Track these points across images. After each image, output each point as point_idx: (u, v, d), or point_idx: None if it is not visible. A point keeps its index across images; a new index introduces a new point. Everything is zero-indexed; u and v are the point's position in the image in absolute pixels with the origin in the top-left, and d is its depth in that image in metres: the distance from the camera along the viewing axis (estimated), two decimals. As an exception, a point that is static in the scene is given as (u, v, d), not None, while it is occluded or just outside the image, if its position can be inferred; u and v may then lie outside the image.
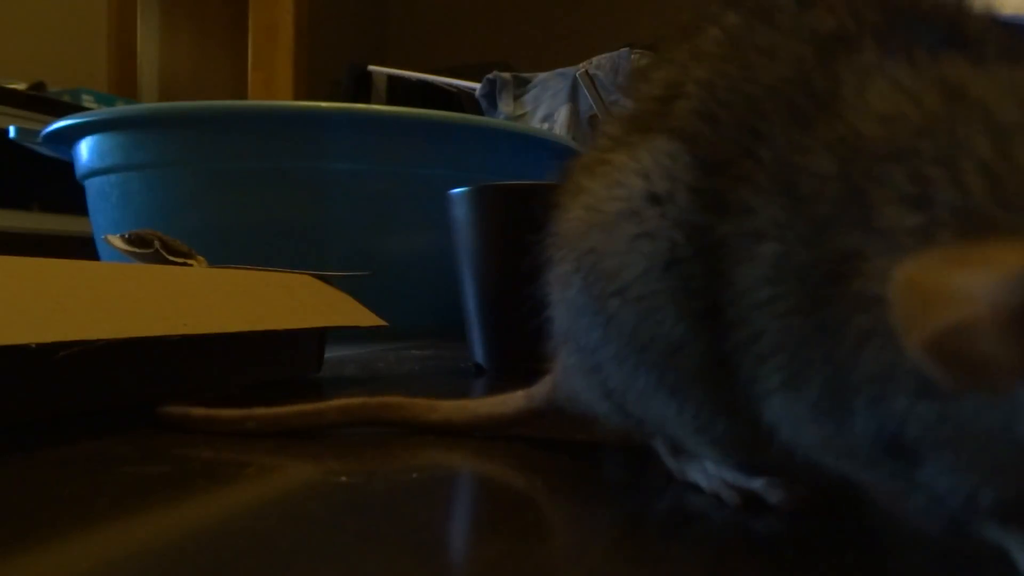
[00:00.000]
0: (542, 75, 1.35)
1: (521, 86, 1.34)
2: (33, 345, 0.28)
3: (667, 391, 0.23)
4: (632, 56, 1.28)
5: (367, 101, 2.01)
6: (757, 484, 0.23)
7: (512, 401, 0.32)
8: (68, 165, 0.91)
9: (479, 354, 0.54)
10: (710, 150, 0.21)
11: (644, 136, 0.24)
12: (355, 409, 0.33)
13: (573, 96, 1.29)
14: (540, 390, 0.31)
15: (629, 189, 0.23)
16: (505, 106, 1.33)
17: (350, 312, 0.49)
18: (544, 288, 0.28)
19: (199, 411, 0.32)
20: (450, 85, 1.62)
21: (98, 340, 0.31)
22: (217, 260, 0.52)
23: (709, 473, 0.24)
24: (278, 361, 0.47)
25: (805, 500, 0.22)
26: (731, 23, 0.23)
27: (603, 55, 1.30)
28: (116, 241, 0.51)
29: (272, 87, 2.55)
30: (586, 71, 1.20)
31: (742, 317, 0.20)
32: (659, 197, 0.22)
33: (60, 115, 0.88)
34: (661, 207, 0.22)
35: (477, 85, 1.39)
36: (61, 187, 1.15)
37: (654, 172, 0.22)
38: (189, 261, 0.50)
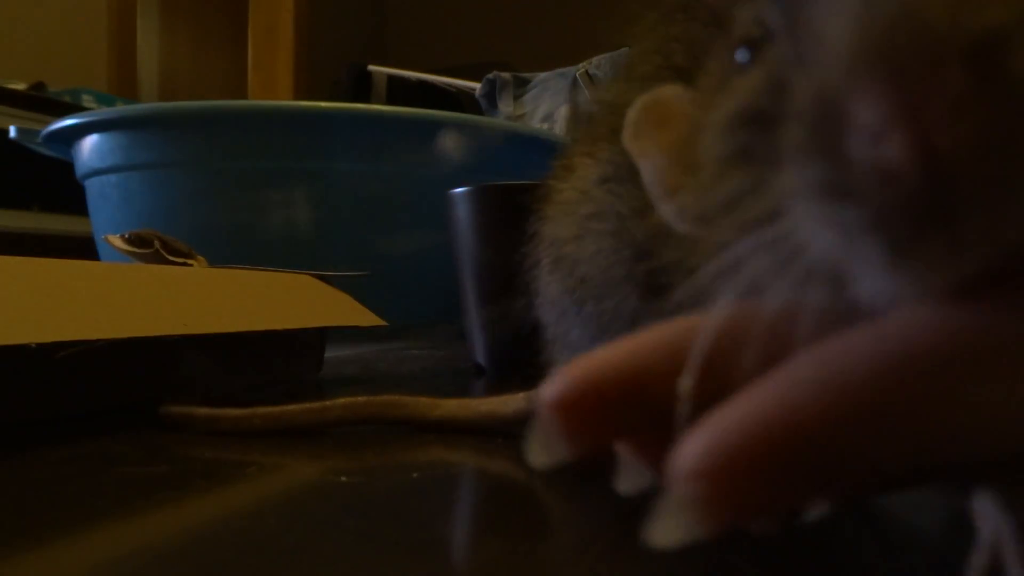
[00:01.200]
0: (542, 75, 1.35)
1: (521, 86, 1.34)
2: (33, 345, 0.28)
3: None
4: (632, 56, 1.28)
5: (367, 101, 2.01)
6: None
7: (513, 402, 0.32)
8: (68, 165, 0.91)
9: (479, 354, 0.54)
10: None
11: (601, 143, 0.25)
12: (359, 407, 0.33)
13: (573, 96, 1.29)
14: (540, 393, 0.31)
15: (584, 178, 0.25)
16: (505, 106, 1.33)
17: (350, 312, 0.49)
18: (534, 294, 0.28)
19: (202, 411, 0.32)
20: (450, 85, 1.62)
21: (98, 340, 0.31)
22: (217, 260, 0.52)
23: None
24: (278, 361, 0.47)
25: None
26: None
27: (603, 55, 1.30)
28: (116, 241, 0.51)
29: (272, 87, 2.55)
30: (586, 71, 1.20)
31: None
32: (608, 177, 0.24)
33: (60, 115, 0.88)
34: (608, 184, 0.23)
35: (477, 85, 1.39)
36: (61, 187, 1.15)
37: (606, 161, 0.24)
38: (189, 261, 0.50)
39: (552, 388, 0.13)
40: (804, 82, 0.11)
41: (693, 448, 0.12)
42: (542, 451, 0.14)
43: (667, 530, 0.13)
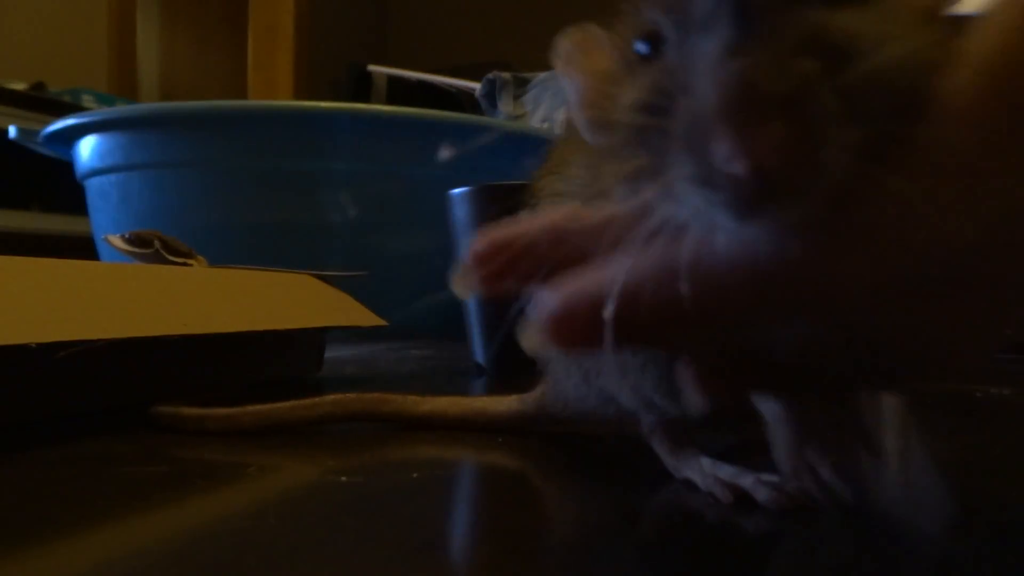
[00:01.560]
0: (542, 75, 1.35)
1: (521, 86, 1.34)
2: (33, 345, 0.28)
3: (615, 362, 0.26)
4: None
5: (367, 101, 2.01)
6: (748, 482, 0.23)
7: (506, 401, 0.32)
8: (68, 165, 0.91)
9: (479, 354, 0.54)
10: None
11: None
12: (348, 403, 0.33)
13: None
14: (532, 396, 0.31)
15: (565, 177, 0.26)
16: (505, 106, 1.32)
17: (350, 312, 0.49)
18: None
19: (189, 410, 0.32)
20: (450, 85, 1.62)
21: (98, 340, 0.31)
22: (217, 260, 0.52)
23: (704, 471, 0.24)
24: (278, 361, 0.47)
25: (793, 499, 0.22)
26: None
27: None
28: (116, 241, 0.51)
29: (272, 87, 2.55)
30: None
31: None
32: (571, 163, 0.26)
33: (60, 115, 0.88)
34: (576, 168, 0.25)
35: (477, 85, 1.39)
36: (61, 187, 1.15)
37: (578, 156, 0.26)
38: (189, 261, 0.50)
39: (475, 247, 0.20)
40: (684, 105, 0.16)
41: (549, 297, 0.18)
42: (461, 286, 0.20)
43: (531, 340, 0.19)
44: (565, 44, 0.22)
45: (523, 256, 0.19)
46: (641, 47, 0.19)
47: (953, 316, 0.18)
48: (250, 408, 0.32)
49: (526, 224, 0.20)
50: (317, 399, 0.33)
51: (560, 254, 0.19)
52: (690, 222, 0.17)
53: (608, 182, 0.20)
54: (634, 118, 0.18)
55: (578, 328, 0.18)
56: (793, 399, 0.24)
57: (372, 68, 1.96)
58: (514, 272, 0.19)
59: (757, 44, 0.16)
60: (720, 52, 0.16)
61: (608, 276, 0.18)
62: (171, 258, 0.50)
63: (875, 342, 0.19)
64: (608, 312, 0.17)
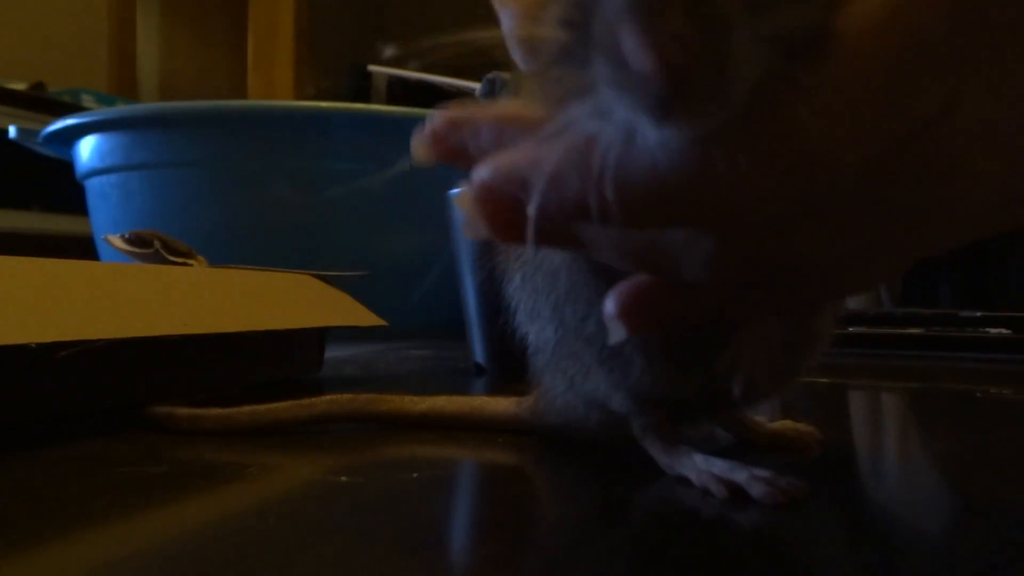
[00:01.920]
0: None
1: (521, 86, 1.34)
2: (33, 345, 0.28)
3: (600, 355, 0.26)
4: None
5: (367, 101, 2.01)
6: (742, 477, 0.23)
7: (503, 403, 0.33)
8: (68, 165, 0.91)
9: (479, 354, 0.54)
10: None
11: None
12: (343, 403, 0.33)
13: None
14: (527, 401, 0.32)
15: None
16: (505, 106, 1.32)
17: (350, 312, 0.49)
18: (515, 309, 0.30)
19: (184, 410, 0.32)
20: (450, 85, 1.62)
21: (98, 340, 0.31)
22: (217, 260, 0.52)
23: (698, 467, 0.24)
24: (278, 361, 0.47)
25: (787, 494, 0.22)
26: None
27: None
28: (116, 241, 0.51)
29: (272, 87, 2.55)
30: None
31: None
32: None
33: (60, 115, 0.88)
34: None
35: (477, 85, 1.39)
36: (61, 187, 1.15)
37: None
38: (189, 261, 0.50)
39: (432, 123, 0.22)
40: (599, 13, 0.17)
41: (482, 169, 0.20)
42: (417, 154, 0.23)
43: (463, 208, 0.21)
44: None
45: (470, 138, 0.22)
46: None
47: (847, 236, 0.19)
48: (245, 408, 0.32)
49: (480, 110, 0.22)
50: (313, 399, 0.33)
51: (501, 142, 0.21)
52: (613, 128, 0.18)
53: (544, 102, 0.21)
54: (557, 35, 0.19)
55: (503, 206, 0.20)
56: (711, 324, 0.24)
57: (372, 68, 1.96)
58: (462, 152, 0.22)
59: None
60: None
61: (535, 160, 0.19)
62: (171, 258, 0.50)
63: (776, 259, 0.20)
64: (532, 206, 0.19)
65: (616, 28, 0.16)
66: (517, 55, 0.23)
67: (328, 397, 0.33)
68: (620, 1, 0.16)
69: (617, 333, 0.21)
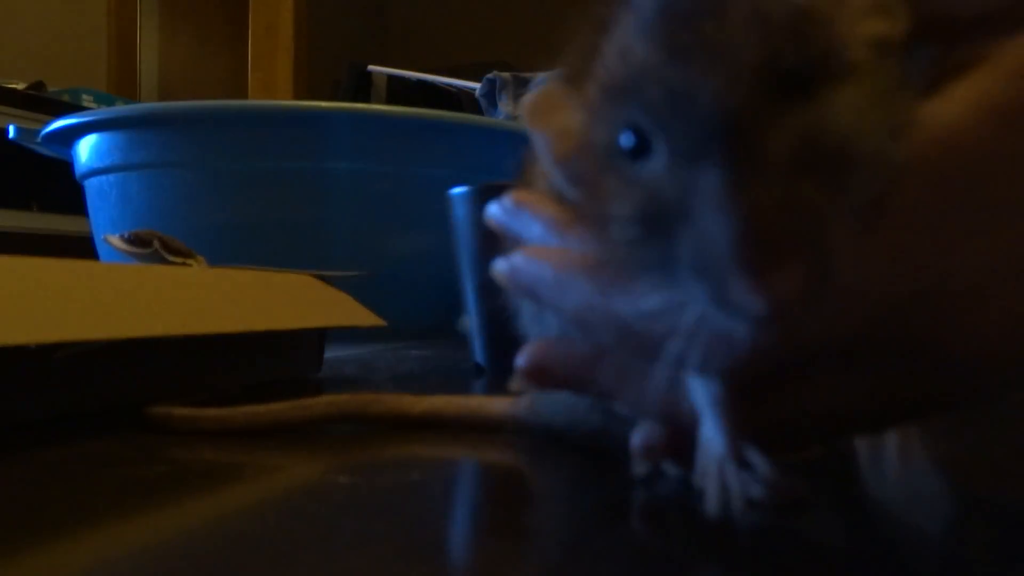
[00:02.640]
0: (542, 75, 1.35)
1: (521, 86, 1.34)
2: (33, 345, 0.28)
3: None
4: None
5: (367, 101, 2.01)
6: (740, 478, 0.23)
7: (501, 403, 0.33)
8: (68, 165, 0.91)
9: (479, 354, 0.54)
10: None
11: None
12: (341, 404, 0.33)
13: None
14: (525, 400, 0.32)
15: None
16: (505, 106, 1.32)
17: (350, 312, 0.49)
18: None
19: (181, 411, 0.32)
20: (450, 85, 1.62)
21: (98, 340, 0.31)
22: (217, 260, 0.52)
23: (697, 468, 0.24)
24: (278, 361, 0.47)
25: (786, 495, 0.22)
26: None
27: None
28: (116, 241, 0.51)
29: (272, 87, 2.55)
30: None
31: None
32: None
33: (60, 115, 0.88)
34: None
35: (477, 85, 1.39)
36: (61, 187, 1.15)
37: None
38: (189, 261, 0.50)
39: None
40: (691, 233, 0.17)
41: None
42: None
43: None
44: (530, 102, 0.24)
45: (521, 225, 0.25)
46: (626, 141, 0.19)
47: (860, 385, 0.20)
48: (243, 409, 0.32)
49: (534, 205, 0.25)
50: (311, 400, 0.33)
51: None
52: (693, 323, 0.18)
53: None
54: (631, 230, 0.19)
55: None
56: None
57: (372, 68, 1.96)
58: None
59: (755, 170, 0.16)
60: (724, 187, 0.16)
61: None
62: (171, 258, 0.50)
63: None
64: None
65: (721, 261, 0.16)
66: (558, 178, 0.24)
67: (326, 398, 0.33)
68: (728, 238, 0.16)
69: (519, 384, 0.25)
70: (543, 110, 0.24)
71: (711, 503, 0.21)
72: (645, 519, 0.23)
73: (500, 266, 0.26)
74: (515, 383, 0.25)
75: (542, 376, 0.25)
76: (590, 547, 0.20)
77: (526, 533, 0.22)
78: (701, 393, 0.22)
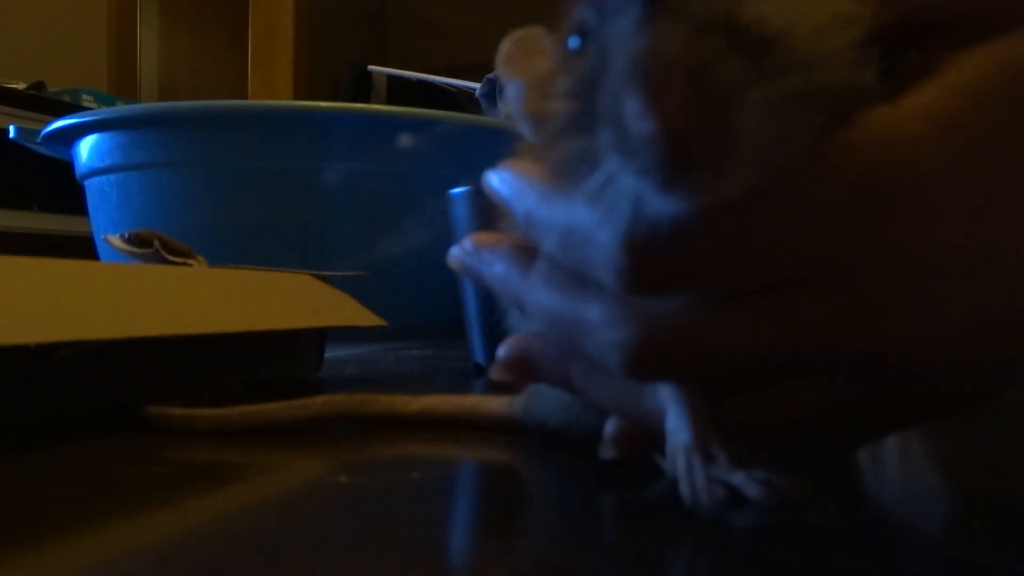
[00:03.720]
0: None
1: (521, 86, 1.34)
2: (33, 345, 0.28)
3: None
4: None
5: (367, 101, 2.01)
6: (738, 478, 0.23)
7: (497, 402, 0.33)
8: (68, 165, 0.91)
9: (479, 354, 0.54)
10: None
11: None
12: (337, 404, 0.33)
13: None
14: (520, 399, 0.32)
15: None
16: (505, 106, 1.32)
17: (350, 312, 0.49)
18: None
19: (177, 411, 0.32)
20: (450, 85, 1.62)
21: (98, 340, 0.31)
22: (217, 260, 0.52)
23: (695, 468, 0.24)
24: (278, 361, 0.47)
25: (784, 495, 0.22)
26: None
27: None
28: (116, 241, 0.51)
29: (272, 87, 2.55)
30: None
31: None
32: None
33: (60, 115, 0.88)
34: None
35: (477, 85, 1.39)
36: (61, 187, 1.15)
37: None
38: (189, 261, 0.50)
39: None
40: (606, 84, 0.18)
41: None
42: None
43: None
44: (506, 47, 0.24)
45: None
46: (572, 41, 0.20)
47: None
48: (239, 409, 0.32)
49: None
50: (307, 400, 0.33)
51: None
52: (620, 196, 0.18)
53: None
54: (564, 106, 0.20)
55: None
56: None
57: (372, 68, 1.96)
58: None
59: (665, 21, 0.17)
60: (631, 30, 0.17)
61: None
62: (171, 258, 0.50)
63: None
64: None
65: (620, 95, 0.17)
66: (525, 126, 0.24)
67: (322, 398, 0.33)
68: (623, 69, 0.17)
69: (498, 373, 0.25)
70: (517, 54, 0.24)
71: (683, 491, 0.22)
72: (645, 520, 0.23)
73: (453, 252, 0.28)
74: (494, 373, 0.26)
75: (520, 368, 0.25)
76: (588, 546, 0.20)
77: (525, 533, 0.22)
78: (664, 389, 0.22)
